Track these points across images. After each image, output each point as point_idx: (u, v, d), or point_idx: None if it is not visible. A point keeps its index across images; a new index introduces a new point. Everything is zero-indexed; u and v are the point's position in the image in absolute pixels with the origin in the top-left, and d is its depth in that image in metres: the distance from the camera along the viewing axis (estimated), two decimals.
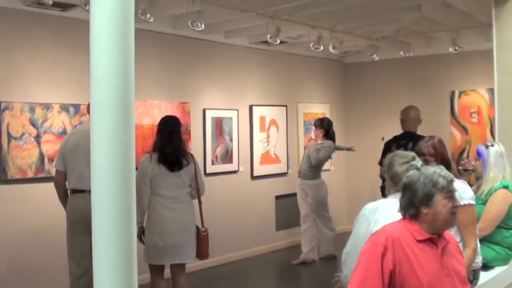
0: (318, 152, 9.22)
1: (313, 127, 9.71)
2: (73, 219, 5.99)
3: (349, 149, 10.04)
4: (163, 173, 6.03)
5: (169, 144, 6.05)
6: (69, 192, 6.10)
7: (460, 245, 3.82)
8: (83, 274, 5.90)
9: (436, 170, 3.20)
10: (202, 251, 6.27)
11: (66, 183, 6.10)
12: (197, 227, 6.27)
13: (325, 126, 9.36)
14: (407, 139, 7.42)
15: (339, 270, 3.94)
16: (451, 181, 3.17)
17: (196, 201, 6.29)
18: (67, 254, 6.13)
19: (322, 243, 9.50)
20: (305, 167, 9.34)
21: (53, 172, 6.99)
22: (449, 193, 3.15)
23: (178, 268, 6.24)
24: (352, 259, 3.54)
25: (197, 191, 6.27)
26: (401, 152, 3.96)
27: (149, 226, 6.08)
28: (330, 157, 9.59)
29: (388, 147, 7.46)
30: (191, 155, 6.33)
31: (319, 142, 9.31)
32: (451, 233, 3.56)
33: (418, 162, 3.77)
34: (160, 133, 6.15)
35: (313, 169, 9.31)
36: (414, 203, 3.20)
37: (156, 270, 6.20)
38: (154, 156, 6.04)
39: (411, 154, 3.89)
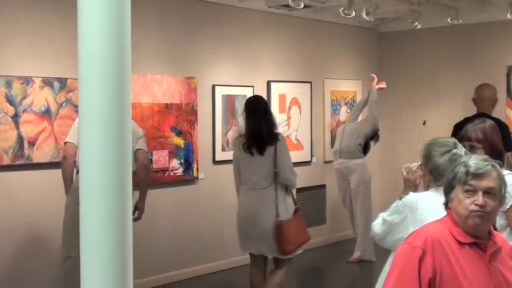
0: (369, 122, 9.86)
1: None
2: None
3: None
4: (244, 157, 6.80)
5: (248, 127, 6.84)
6: (75, 171, 6.58)
7: None
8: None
9: (468, 159, 3.20)
10: (278, 246, 6.72)
11: (76, 159, 6.54)
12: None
13: None
14: None
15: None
16: (474, 174, 3.11)
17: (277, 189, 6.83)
18: (62, 235, 6.64)
19: (358, 242, 9.65)
20: (350, 145, 9.68)
21: (34, 158, 7.10)
22: (467, 186, 3.12)
23: (275, 261, 6.91)
24: (381, 231, 4.02)
25: (275, 176, 6.72)
26: (439, 139, 3.96)
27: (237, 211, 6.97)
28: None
29: (459, 131, 7.48)
30: (278, 135, 6.89)
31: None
32: (504, 236, 3.55)
33: (462, 149, 3.77)
34: (245, 116, 6.98)
35: (361, 147, 9.70)
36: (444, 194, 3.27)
37: (251, 258, 6.99)
38: (238, 140, 6.91)
39: (452, 140, 3.89)
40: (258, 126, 6.74)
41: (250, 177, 6.79)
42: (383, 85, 9.81)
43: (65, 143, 6.74)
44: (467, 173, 3.13)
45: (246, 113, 6.89)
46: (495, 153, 4.23)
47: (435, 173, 3.79)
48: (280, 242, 6.65)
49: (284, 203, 6.80)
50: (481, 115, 7.66)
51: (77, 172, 6.62)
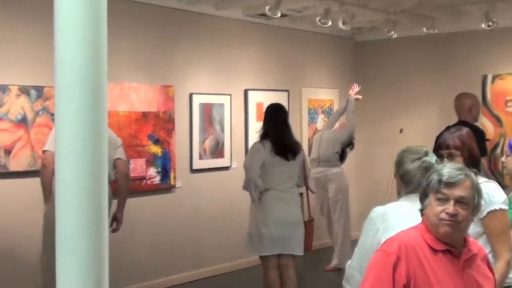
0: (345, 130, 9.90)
1: None
2: None
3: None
4: (277, 162, 7.02)
5: (284, 133, 7.14)
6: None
7: (490, 256, 3.79)
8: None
9: (443, 167, 3.24)
10: (308, 242, 7.38)
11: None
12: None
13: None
14: None
15: None
16: (447, 182, 3.14)
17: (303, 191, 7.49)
18: (42, 243, 6.54)
19: (336, 250, 9.75)
20: (327, 153, 9.67)
21: (10, 166, 7.05)
22: (440, 194, 3.14)
23: (285, 260, 7.21)
24: (360, 273, 3.60)
25: (305, 179, 7.29)
26: (412, 147, 4.04)
27: (256, 215, 7.08)
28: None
29: None
30: (299, 143, 7.43)
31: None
32: (480, 243, 3.57)
33: (432, 158, 3.84)
34: (271, 121, 7.18)
35: (338, 155, 9.72)
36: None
37: (266, 261, 7.16)
38: (267, 145, 7.02)
39: (424, 149, 3.96)
40: (291, 133, 7.24)
41: (283, 180, 7.09)
42: (359, 96, 9.84)
43: (43, 151, 6.66)
44: (439, 181, 3.14)
45: (278, 119, 7.19)
46: (473, 160, 4.28)
47: (405, 179, 3.87)
48: (310, 238, 7.40)
49: None
50: (462, 123, 7.72)
51: None
